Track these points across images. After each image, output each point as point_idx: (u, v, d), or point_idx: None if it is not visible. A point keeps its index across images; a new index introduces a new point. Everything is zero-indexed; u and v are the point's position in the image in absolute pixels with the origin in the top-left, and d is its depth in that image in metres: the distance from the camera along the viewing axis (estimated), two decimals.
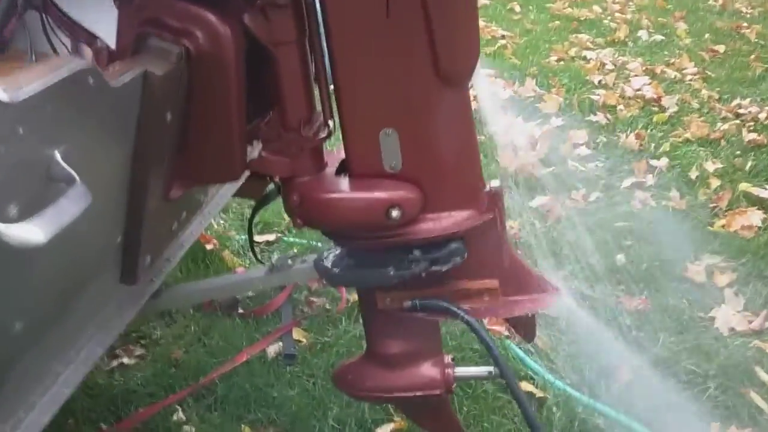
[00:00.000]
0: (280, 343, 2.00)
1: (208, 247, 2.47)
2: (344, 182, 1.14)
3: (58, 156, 0.77)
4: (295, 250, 1.64)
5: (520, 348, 2.00)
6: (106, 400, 1.87)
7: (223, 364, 1.94)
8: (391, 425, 1.71)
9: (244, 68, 1.04)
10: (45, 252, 0.75)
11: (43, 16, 1.06)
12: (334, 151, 1.21)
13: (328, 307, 2.20)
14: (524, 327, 1.31)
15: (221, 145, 1.08)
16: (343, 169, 1.16)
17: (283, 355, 1.96)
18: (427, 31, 1.02)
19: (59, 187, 0.77)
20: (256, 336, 2.07)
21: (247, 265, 2.36)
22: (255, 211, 1.95)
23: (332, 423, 1.75)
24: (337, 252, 1.22)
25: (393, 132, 1.08)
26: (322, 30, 1.07)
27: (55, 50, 1.11)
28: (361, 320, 1.39)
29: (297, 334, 2.06)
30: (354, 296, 2.11)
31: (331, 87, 1.10)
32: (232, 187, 1.61)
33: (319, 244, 2.35)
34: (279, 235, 2.57)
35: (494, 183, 1.15)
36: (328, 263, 1.20)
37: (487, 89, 3.53)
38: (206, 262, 2.37)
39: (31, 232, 0.71)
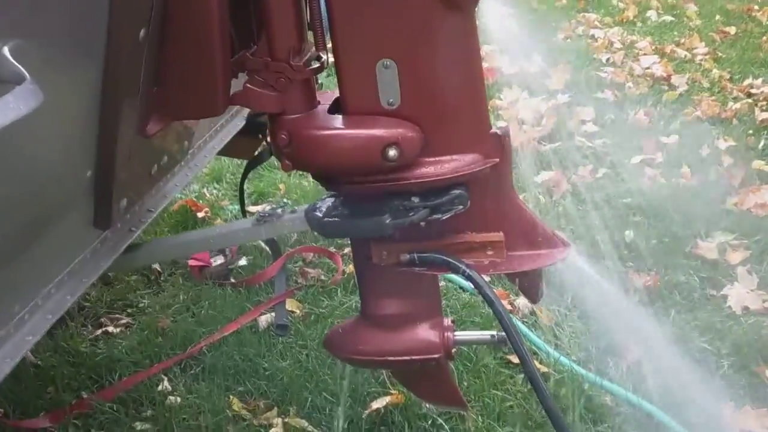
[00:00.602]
0: (273, 314, 1.91)
1: (200, 215, 2.38)
2: (337, 120, 1.04)
3: (5, 51, 0.67)
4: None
5: (524, 323, 1.91)
6: (88, 368, 1.78)
7: (212, 334, 1.85)
8: (387, 398, 1.62)
9: None
10: None
11: None
12: (328, 92, 1.11)
13: (323, 278, 2.12)
14: (529, 285, 1.21)
15: (202, 74, 0.99)
16: (337, 108, 1.06)
17: (275, 326, 1.87)
18: None
19: (6, 88, 0.67)
20: (247, 306, 1.99)
21: None
22: (247, 170, 1.85)
23: (325, 395, 1.67)
24: (330, 201, 1.13)
25: (391, 63, 0.98)
26: None
27: None
28: (357, 292, 1.29)
29: (290, 304, 1.98)
30: (350, 267, 2.03)
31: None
32: (221, 140, 1.51)
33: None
34: (273, 206, 2.47)
35: (501, 124, 1.05)
36: (319, 213, 1.11)
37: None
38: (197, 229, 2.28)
39: None
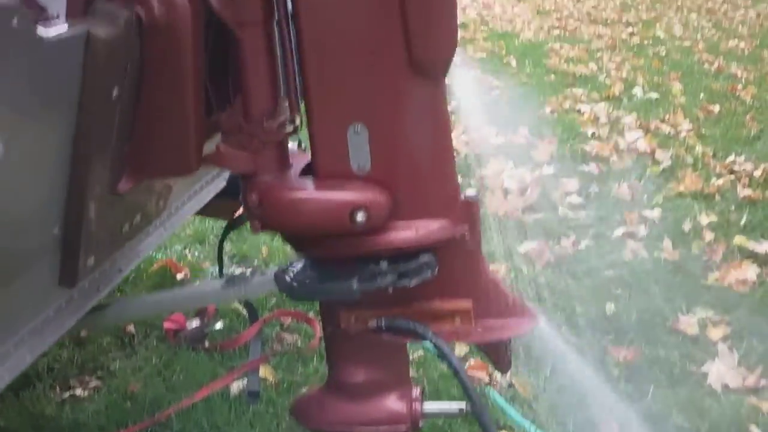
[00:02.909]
0: (245, 380, 1.87)
1: (179, 276, 2.36)
2: (307, 182, 1.04)
3: None
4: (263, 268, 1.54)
5: (502, 396, 1.87)
6: None
7: (182, 400, 1.81)
8: None
9: (203, 46, 0.96)
10: None
11: None
12: (301, 152, 1.12)
13: (299, 344, 2.08)
14: (498, 355, 1.19)
15: (175, 133, 0.99)
16: (309, 170, 1.07)
17: (246, 393, 1.82)
18: (401, 15, 0.94)
19: None
20: (220, 371, 1.94)
21: None
22: (226, 231, 1.84)
23: None
24: (301, 264, 1.11)
25: (362, 128, 0.99)
26: (290, 12, 0.99)
27: None
28: None
29: (264, 371, 1.94)
30: None
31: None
32: (200, 200, 1.51)
33: None
34: (246, 268, 2.45)
35: (470, 192, 1.05)
36: (288, 276, 1.09)
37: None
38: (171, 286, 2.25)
39: None
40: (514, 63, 5.33)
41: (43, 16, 0.88)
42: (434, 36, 0.96)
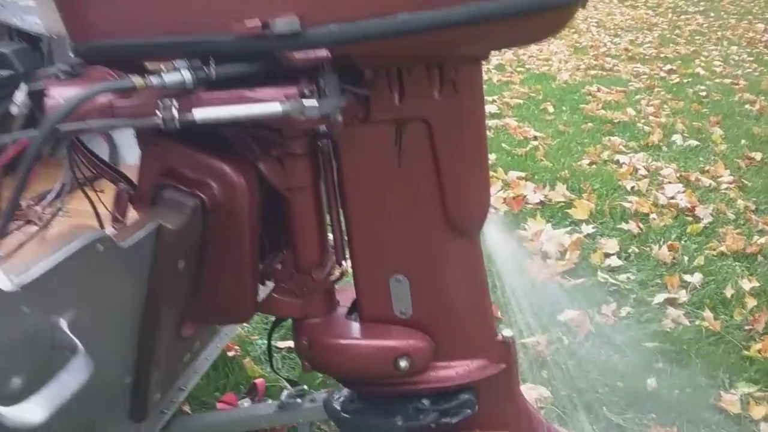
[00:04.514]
0: None
1: (230, 354, 2.44)
2: (353, 327, 1.12)
3: (63, 324, 0.77)
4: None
5: None
6: None
7: None
8: None
9: (258, 215, 1.05)
10: None
11: (71, 155, 1.08)
12: (347, 288, 1.20)
13: None
14: None
15: (232, 289, 1.08)
16: (354, 309, 1.15)
17: None
18: (437, 181, 1.02)
19: (63, 354, 0.77)
20: None
21: (267, 374, 2.33)
22: (274, 326, 1.93)
23: None
24: (347, 393, 1.19)
25: (404, 279, 1.07)
26: (336, 174, 1.07)
27: (80, 186, 1.13)
28: None
29: None
30: None
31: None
32: None
33: None
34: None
35: (506, 332, 1.11)
36: (337, 405, 1.17)
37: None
38: (226, 370, 2.34)
39: (30, 412, 0.71)
40: (551, 109, 5.36)
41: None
42: (468, 199, 1.04)
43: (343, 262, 1.15)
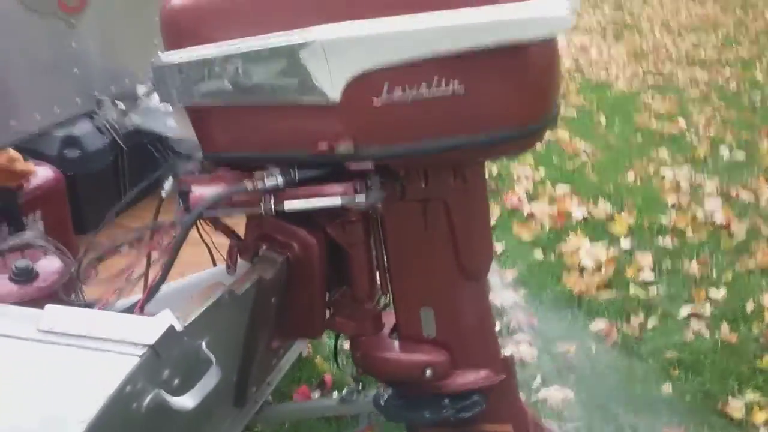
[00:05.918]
0: None
1: (304, 354, 2.85)
2: (394, 344, 1.52)
3: (203, 346, 1.22)
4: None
5: None
6: None
7: None
8: None
9: (326, 263, 1.45)
10: None
11: (200, 225, 1.46)
12: (390, 314, 1.60)
13: None
14: None
15: (307, 313, 1.50)
16: (395, 330, 1.55)
17: None
18: (453, 241, 1.41)
19: (204, 365, 1.20)
20: None
21: (334, 372, 2.71)
22: (337, 338, 2.35)
23: None
24: (390, 392, 1.60)
25: (430, 310, 1.46)
26: (382, 234, 1.48)
27: (207, 246, 1.52)
28: None
29: None
30: None
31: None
32: None
33: None
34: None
35: (506, 352, 1.51)
36: (382, 401, 1.58)
37: None
38: (299, 367, 2.74)
39: (185, 401, 1.16)
40: (603, 121, 5.55)
41: None
42: (475, 252, 1.43)
43: (387, 295, 1.55)
